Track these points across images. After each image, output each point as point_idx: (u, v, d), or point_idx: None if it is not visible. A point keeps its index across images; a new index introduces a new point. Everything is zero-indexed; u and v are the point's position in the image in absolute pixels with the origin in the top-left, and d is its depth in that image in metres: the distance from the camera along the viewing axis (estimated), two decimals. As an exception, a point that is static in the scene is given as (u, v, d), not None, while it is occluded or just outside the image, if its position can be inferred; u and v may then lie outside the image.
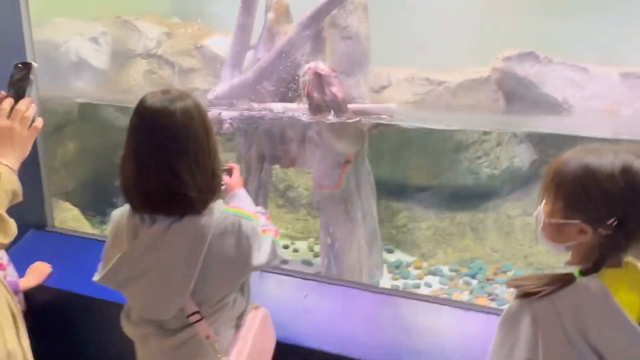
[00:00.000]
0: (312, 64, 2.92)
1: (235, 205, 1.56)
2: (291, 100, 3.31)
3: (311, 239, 4.32)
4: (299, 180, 4.43)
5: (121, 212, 1.44)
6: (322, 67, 2.94)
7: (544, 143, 4.19)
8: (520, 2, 4.25)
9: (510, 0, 4.29)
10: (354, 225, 3.38)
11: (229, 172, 1.81)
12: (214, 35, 4.59)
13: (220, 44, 4.37)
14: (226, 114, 3.29)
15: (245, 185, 3.33)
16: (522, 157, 4.20)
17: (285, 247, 4.26)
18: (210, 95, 3.43)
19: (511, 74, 3.95)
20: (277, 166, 3.76)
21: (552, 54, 4.00)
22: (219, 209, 1.41)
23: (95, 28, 4.26)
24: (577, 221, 1.11)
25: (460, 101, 3.98)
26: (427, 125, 3.57)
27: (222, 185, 1.74)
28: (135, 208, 1.39)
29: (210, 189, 1.38)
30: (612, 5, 4.01)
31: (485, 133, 4.08)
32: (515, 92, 3.98)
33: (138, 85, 4.15)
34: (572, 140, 3.77)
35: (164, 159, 1.32)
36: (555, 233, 1.17)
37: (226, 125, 3.24)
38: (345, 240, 3.37)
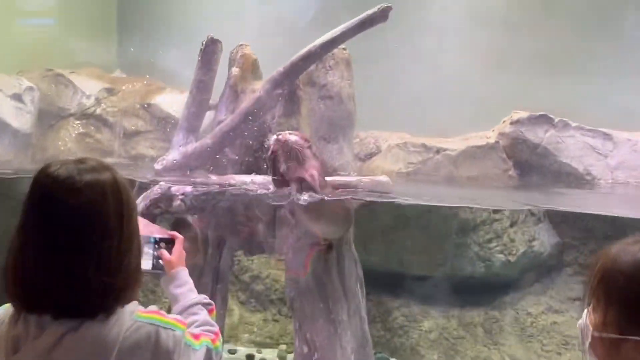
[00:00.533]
0: (280, 135, 2.90)
1: (152, 311, 1.40)
2: (259, 172, 3.27)
3: (283, 346, 4.19)
4: (268, 269, 4.32)
5: (1, 314, 1.31)
6: (293, 138, 2.93)
7: (568, 222, 4.23)
8: (527, 59, 4.47)
9: (516, 57, 4.48)
10: (338, 328, 3.25)
11: (169, 244, 1.73)
12: (165, 92, 4.67)
13: (173, 102, 4.44)
14: (177, 188, 3.19)
15: (200, 277, 3.43)
16: (542, 239, 4.20)
17: (250, 358, 4.07)
18: (158, 165, 3.38)
19: (522, 140, 4.05)
20: (239, 253, 3.77)
21: (567, 117, 4.18)
22: (130, 314, 1.29)
23: (19, 83, 4.27)
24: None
25: (463, 172, 4.04)
26: (425, 203, 3.54)
27: (159, 271, 1.67)
28: (18, 308, 1.27)
29: (120, 289, 1.28)
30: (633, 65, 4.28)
31: (495, 211, 4.11)
32: (528, 162, 4.09)
33: (69, 151, 4.15)
34: (602, 221, 3.99)
35: (58, 250, 1.22)
36: (609, 350, 1.09)
37: (177, 203, 3.14)
38: (326, 349, 3.06)
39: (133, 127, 4.42)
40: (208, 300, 1.62)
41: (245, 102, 3.36)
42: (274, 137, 2.92)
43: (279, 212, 3.30)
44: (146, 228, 2.04)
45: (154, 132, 4.43)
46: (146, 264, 1.68)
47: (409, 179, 4.02)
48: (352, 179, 3.21)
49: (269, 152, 2.93)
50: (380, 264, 4.08)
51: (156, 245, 1.75)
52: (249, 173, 3.30)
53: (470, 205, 3.89)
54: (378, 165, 4.27)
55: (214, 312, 1.63)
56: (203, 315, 1.55)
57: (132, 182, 2.96)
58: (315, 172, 2.97)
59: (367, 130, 4.53)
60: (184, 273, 1.70)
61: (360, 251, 3.50)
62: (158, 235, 1.79)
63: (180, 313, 1.56)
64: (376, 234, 4.07)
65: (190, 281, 1.70)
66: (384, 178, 3.14)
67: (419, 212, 4.01)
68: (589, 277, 1.16)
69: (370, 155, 4.45)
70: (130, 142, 4.40)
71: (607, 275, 1.11)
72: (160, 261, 1.72)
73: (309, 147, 3.02)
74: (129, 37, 5.47)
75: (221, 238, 3.46)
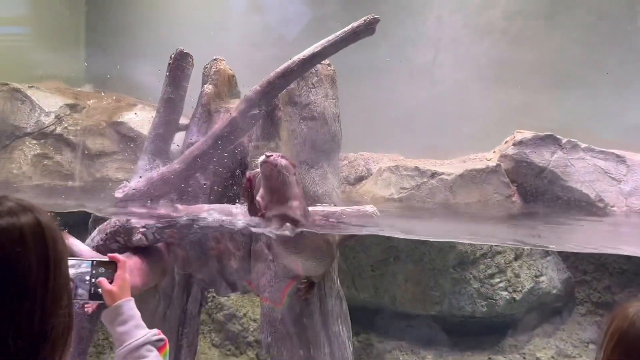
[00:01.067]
0: (271, 157, 2.69)
1: None
2: (233, 201, 3.19)
3: (261, 394, 4.06)
4: (245, 307, 4.18)
5: None
6: (284, 162, 2.75)
7: (578, 255, 4.17)
8: (530, 72, 4.39)
9: (518, 70, 4.42)
10: (321, 377, 3.15)
11: (110, 268, 1.60)
12: (136, 109, 4.55)
13: (145, 120, 4.31)
14: (139, 219, 3.04)
15: (163, 321, 3.29)
16: (551, 274, 4.14)
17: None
18: (119, 193, 3.24)
19: (527, 163, 3.97)
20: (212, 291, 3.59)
21: (575, 136, 4.09)
22: None
23: (-32, 99, 4.22)
24: None
25: (461, 198, 3.93)
26: (419, 237, 3.42)
27: (98, 301, 1.55)
28: None
29: (47, 356, 1.15)
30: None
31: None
32: (533, 187, 4.00)
33: (24, 175, 4.02)
34: (617, 254, 3.93)
35: None
36: None
37: (137, 237, 2.99)
38: (307, 401, 3.03)
39: (98, 147, 4.29)
40: (159, 337, 1.51)
41: (219, 124, 3.26)
42: (262, 157, 2.75)
43: (254, 246, 3.23)
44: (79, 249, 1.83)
45: (121, 154, 4.32)
46: (81, 293, 1.56)
47: (402, 206, 3.88)
48: (335, 209, 3.09)
49: (246, 180, 2.79)
50: (370, 301, 4.00)
51: (94, 271, 1.59)
52: (222, 202, 3.21)
53: (467, 242, 3.80)
54: (368, 190, 4.18)
55: (167, 347, 1.52)
56: (153, 358, 1.44)
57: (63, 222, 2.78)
58: (298, 204, 2.81)
59: (358, 151, 4.47)
60: (128, 306, 1.57)
61: (347, 287, 3.50)
62: (96, 258, 1.64)
63: (125, 359, 1.45)
64: (365, 268, 3.99)
65: (137, 314, 1.57)
66: (370, 208, 3.01)
67: (412, 244, 3.94)
68: (602, 337, 1.18)
69: (360, 179, 4.37)
70: (95, 164, 4.27)
71: (625, 339, 1.11)
72: (100, 290, 1.56)
73: (295, 174, 2.87)
74: (99, 48, 5.33)
75: (189, 275, 3.34)
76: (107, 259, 1.64)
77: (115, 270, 1.61)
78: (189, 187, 3.24)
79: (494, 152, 4.26)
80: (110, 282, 1.59)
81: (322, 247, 3.01)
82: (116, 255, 1.67)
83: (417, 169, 4.07)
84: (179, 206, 3.10)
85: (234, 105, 3.27)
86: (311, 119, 3.31)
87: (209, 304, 3.78)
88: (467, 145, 4.33)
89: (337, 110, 3.38)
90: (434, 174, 4.01)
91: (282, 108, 3.32)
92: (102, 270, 1.60)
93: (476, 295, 3.95)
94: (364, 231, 3.08)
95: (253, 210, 2.80)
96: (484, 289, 3.95)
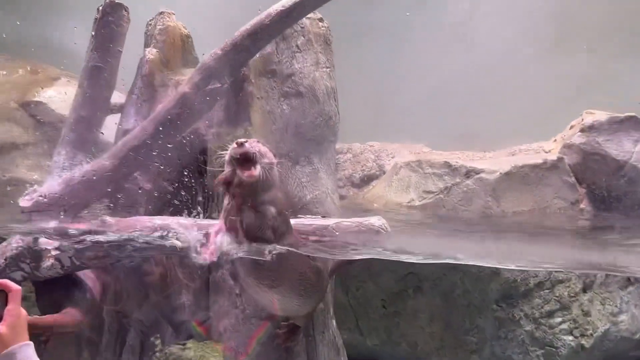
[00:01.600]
0: (247, 142, 2.62)
1: None
2: (183, 211, 3.14)
3: None
4: (211, 357, 3.96)
5: None
6: (264, 150, 2.69)
7: None
8: (604, 33, 4.42)
9: (588, 31, 4.41)
10: None
11: None
12: (59, 84, 4.54)
13: (70, 98, 4.09)
14: (51, 238, 2.95)
15: None
16: (633, 312, 4.06)
17: None
18: (25, 202, 3.10)
19: (600, 156, 4.06)
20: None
21: None
22: None
23: None
24: None
25: (507, 205, 3.97)
26: (448, 261, 3.35)
27: None
28: None
29: None
30: None
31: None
32: (609, 189, 4.08)
33: None
34: None
35: None
36: None
37: (48, 262, 2.89)
38: None
39: (5, 138, 4.27)
40: None
41: (165, 103, 3.22)
42: (233, 146, 2.63)
43: (214, 274, 3.18)
44: None
45: (38, 146, 4.28)
46: None
47: (425, 217, 3.90)
48: (328, 221, 2.99)
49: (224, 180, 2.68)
50: (381, 350, 3.93)
51: None
52: (169, 212, 3.21)
53: (516, 267, 3.72)
54: (379, 195, 4.20)
55: None
56: None
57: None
58: (274, 213, 2.73)
59: (365, 141, 4.50)
60: (24, 354, 1.59)
61: (348, 330, 3.55)
62: None
63: None
64: (374, 303, 3.90)
65: None
66: (376, 220, 2.92)
67: (439, 271, 3.85)
68: None
69: (368, 179, 4.44)
70: (2, 161, 4.21)
71: None
72: None
73: (275, 167, 2.79)
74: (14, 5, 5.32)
75: (123, 315, 3.29)
76: None
77: (6, 304, 1.62)
78: (122, 193, 3.24)
79: (555, 140, 4.32)
80: None
81: (309, 276, 2.95)
82: (6, 281, 1.67)
83: (447, 165, 4.09)
84: (108, 219, 3.02)
85: (188, 77, 3.23)
86: (296, 96, 3.29)
87: (157, 355, 3.69)
88: (517, 131, 4.39)
89: (332, 83, 3.36)
90: (470, 173, 4.02)
91: (253, 80, 3.28)
92: None
93: (529, 341, 3.91)
94: (368, 254, 3.01)
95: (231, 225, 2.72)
96: (539, 333, 3.91)
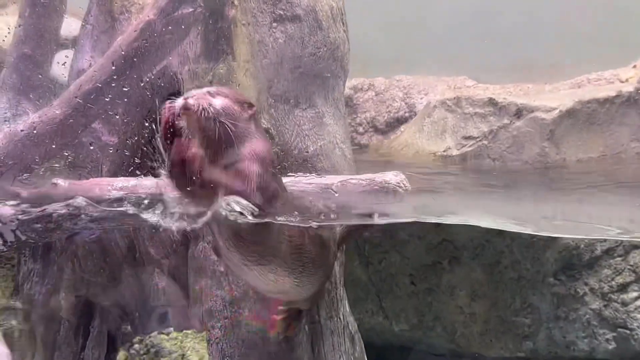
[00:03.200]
0: (190, 98, 2.63)
1: None
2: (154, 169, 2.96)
3: None
4: (200, 350, 3.89)
5: None
6: (217, 103, 2.67)
7: None
8: None
9: None
10: None
11: None
12: (6, 12, 4.47)
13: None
14: None
15: None
16: None
17: None
18: None
19: None
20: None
21: None
22: None
23: None
24: None
25: (570, 151, 3.99)
26: (493, 225, 3.43)
27: None
28: None
29: None
30: None
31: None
32: None
33: None
34: None
35: None
36: None
37: None
38: None
39: None
40: None
41: (127, 34, 3.21)
42: (180, 101, 2.64)
43: (192, 249, 3.21)
44: None
45: None
46: None
47: (464, 170, 3.93)
48: (333, 179, 3.00)
49: (165, 118, 2.71)
50: (410, 335, 3.95)
51: None
52: (139, 170, 3.15)
53: (579, 234, 3.70)
54: (407, 143, 4.23)
55: None
56: None
57: None
58: (256, 171, 2.71)
59: (391, 74, 4.48)
60: None
61: (369, 313, 3.61)
62: None
63: None
64: (400, 280, 3.91)
65: None
66: (393, 176, 2.92)
67: (482, 237, 3.85)
68: None
69: (396, 123, 4.47)
70: None
71: None
72: None
73: (250, 119, 2.78)
74: None
75: (86, 302, 3.35)
76: None
77: None
78: (79, 149, 3.27)
79: (634, 67, 4.27)
80: None
81: (309, 249, 2.96)
82: None
83: (492, 102, 4.08)
84: (60, 182, 3.05)
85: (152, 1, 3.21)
86: (292, 20, 3.29)
87: (135, 347, 3.76)
88: (585, 56, 4.35)
89: (339, 1, 3.37)
90: (521, 111, 4.01)
91: (237, 2, 3.25)
92: None
93: (596, 322, 3.91)
94: (384, 218, 3.02)
95: (177, 177, 2.74)
96: (609, 311, 3.90)
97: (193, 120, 2.64)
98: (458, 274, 4.00)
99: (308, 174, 3.07)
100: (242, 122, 2.70)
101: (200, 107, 2.61)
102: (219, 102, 2.65)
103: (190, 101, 2.61)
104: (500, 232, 3.81)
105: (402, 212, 2.98)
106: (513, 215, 3.32)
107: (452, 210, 3.23)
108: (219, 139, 2.64)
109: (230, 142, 2.65)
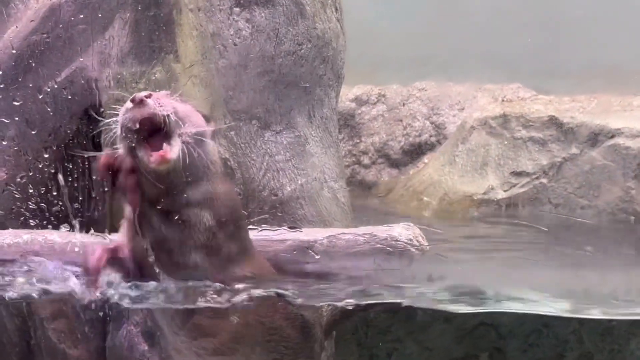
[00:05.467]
0: (143, 100, 2.64)
1: None
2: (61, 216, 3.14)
3: None
4: None
5: None
6: (180, 108, 2.71)
7: None
8: None
9: None
10: None
11: None
12: None
13: None
14: None
15: None
16: None
17: None
18: None
19: None
20: None
21: None
22: None
23: None
24: None
25: None
26: (551, 310, 3.36)
27: None
28: None
29: None
30: None
31: None
32: None
33: None
34: None
35: None
36: None
37: None
38: None
39: None
40: None
41: (23, 23, 3.33)
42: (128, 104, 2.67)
43: (111, 337, 3.21)
44: None
45: None
46: None
47: (511, 218, 3.93)
48: (315, 234, 3.02)
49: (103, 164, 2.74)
50: None
51: None
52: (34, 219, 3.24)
53: None
54: (433, 180, 4.17)
55: None
56: None
57: None
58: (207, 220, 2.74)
59: (408, 81, 4.46)
60: None
61: None
62: None
63: None
64: None
65: None
66: (402, 231, 2.92)
67: (535, 320, 3.85)
68: None
69: (417, 151, 4.45)
70: None
71: None
72: None
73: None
74: None
75: None
76: None
77: None
78: None
79: None
80: None
81: (287, 334, 3.02)
82: None
83: (555, 122, 4.10)
84: None
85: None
86: (262, 4, 3.34)
87: None
88: None
89: None
90: (597, 135, 4.00)
91: None
92: None
93: None
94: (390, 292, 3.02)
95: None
96: None
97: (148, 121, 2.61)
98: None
99: (280, 226, 3.04)
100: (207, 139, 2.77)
101: (161, 105, 2.61)
102: (184, 105, 2.72)
103: (150, 100, 2.61)
104: (568, 318, 3.75)
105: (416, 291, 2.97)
106: (582, 290, 3.29)
107: (493, 289, 3.13)
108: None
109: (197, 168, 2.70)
